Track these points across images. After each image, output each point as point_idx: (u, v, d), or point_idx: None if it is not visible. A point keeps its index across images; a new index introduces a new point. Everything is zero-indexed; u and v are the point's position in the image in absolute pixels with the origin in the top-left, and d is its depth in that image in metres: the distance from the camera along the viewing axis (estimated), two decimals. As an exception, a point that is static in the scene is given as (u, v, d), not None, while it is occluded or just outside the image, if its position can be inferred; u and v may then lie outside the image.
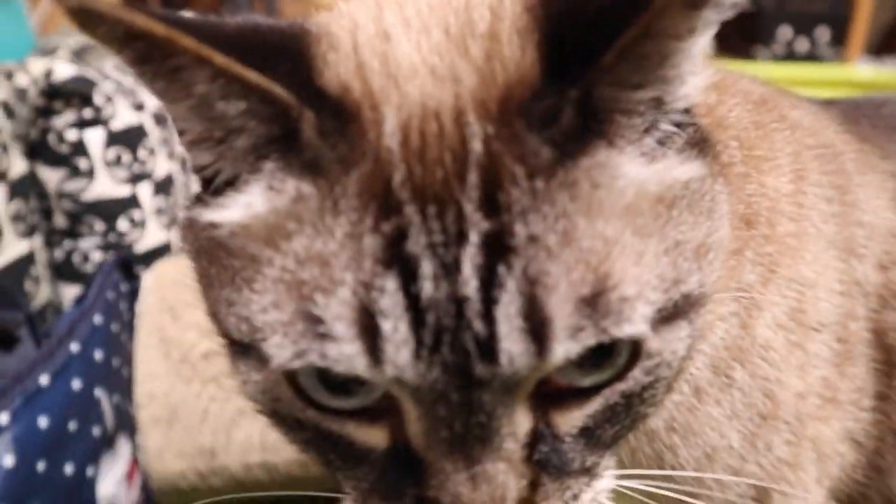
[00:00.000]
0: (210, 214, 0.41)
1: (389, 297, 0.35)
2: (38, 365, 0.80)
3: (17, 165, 1.12)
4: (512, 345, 0.36)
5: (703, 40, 0.39)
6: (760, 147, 0.56)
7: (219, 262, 0.41)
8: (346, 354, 0.36)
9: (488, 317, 0.35)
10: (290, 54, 0.38)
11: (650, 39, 0.37)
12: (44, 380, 0.80)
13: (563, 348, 0.36)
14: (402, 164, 0.36)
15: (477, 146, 0.36)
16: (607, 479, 0.45)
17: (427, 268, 0.35)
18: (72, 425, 0.82)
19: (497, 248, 0.35)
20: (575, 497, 0.42)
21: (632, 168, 0.39)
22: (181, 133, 0.42)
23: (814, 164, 0.59)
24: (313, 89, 0.38)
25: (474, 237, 0.36)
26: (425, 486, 0.39)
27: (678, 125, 0.42)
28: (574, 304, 0.36)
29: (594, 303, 0.36)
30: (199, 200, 0.43)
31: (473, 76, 0.38)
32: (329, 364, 0.36)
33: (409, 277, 0.35)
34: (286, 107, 0.37)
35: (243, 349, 0.40)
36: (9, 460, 0.73)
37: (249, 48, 0.37)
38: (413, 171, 0.36)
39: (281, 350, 0.37)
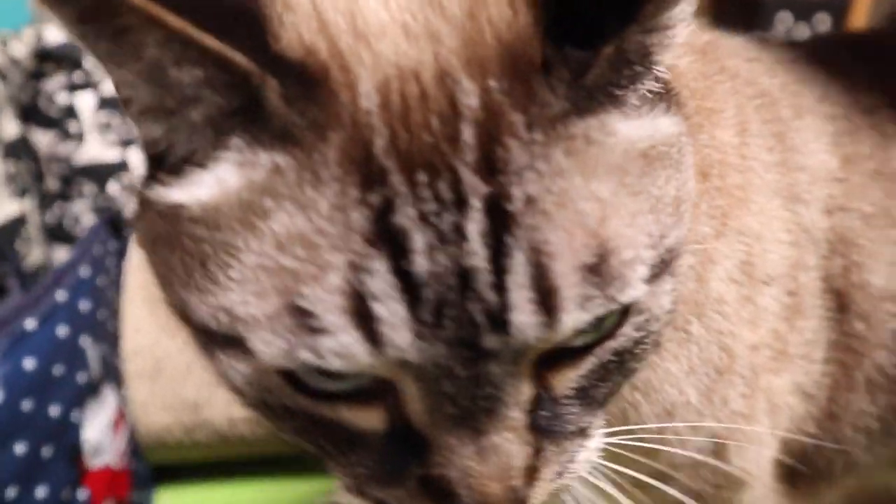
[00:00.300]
0: (174, 194, 0.38)
1: (380, 277, 0.33)
2: (25, 310, 0.83)
3: (10, 128, 1.15)
4: (523, 316, 0.34)
5: None
6: (710, 98, 0.57)
7: (183, 248, 0.38)
8: (343, 345, 0.34)
9: (499, 287, 0.34)
10: (244, 17, 0.35)
11: None
12: (30, 324, 0.83)
13: (572, 318, 0.35)
14: (384, 129, 0.34)
15: (472, 103, 0.35)
16: (597, 438, 0.45)
17: (419, 241, 0.34)
18: (57, 370, 0.85)
19: (498, 214, 0.34)
20: (571, 459, 0.43)
21: (623, 123, 0.38)
22: (126, 102, 0.38)
23: (754, 114, 0.60)
24: (271, 55, 0.35)
25: (476, 202, 0.34)
26: (430, 464, 0.38)
27: (657, 76, 0.41)
28: (580, 272, 0.35)
29: (598, 270, 0.35)
30: (153, 180, 0.40)
31: (455, 35, 0.36)
32: (324, 361, 0.34)
33: (399, 253, 0.34)
34: (246, 75, 0.34)
35: (223, 340, 0.37)
36: (-5, 396, 0.76)
37: (203, 9, 0.34)
38: (397, 137, 0.34)
39: (269, 347, 0.35)
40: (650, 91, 0.41)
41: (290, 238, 0.34)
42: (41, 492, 0.81)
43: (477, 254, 0.34)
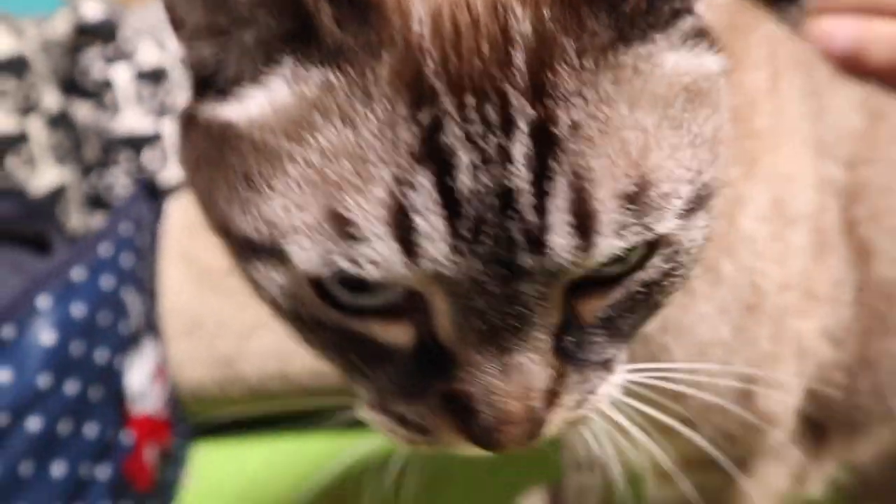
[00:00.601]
0: (223, 112, 0.40)
1: (423, 192, 0.35)
2: (72, 262, 0.89)
3: (52, 100, 1.20)
4: (561, 238, 0.36)
5: None
6: (737, 46, 0.58)
7: (227, 164, 0.40)
8: (380, 254, 0.35)
9: (539, 208, 0.35)
10: None
11: None
12: (77, 275, 0.88)
13: (608, 244, 0.36)
14: (436, 53, 0.36)
15: (525, 30, 0.36)
16: (620, 373, 0.46)
17: (464, 160, 0.35)
18: (102, 318, 0.90)
19: (544, 137, 0.35)
20: (592, 390, 0.43)
21: (670, 56, 0.40)
22: (179, 23, 0.40)
23: (788, 65, 0.62)
24: None
25: (522, 125, 0.35)
26: (454, 379, 0.40)
27: (698, 13, 0.42)
28: (619, 200, 0.36)
29: (637, 199, 0.36)
30: (199, 101, 0.42)
31: None
32: (359, 269, 0.36)
33: (444, 170, 0.35)
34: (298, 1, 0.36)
35: (263, 250, 0.39)
36: (50, 338, 0.82)
37: None
38: (447, 60, 0.35)
39: (307, 255, 0.37)
40: (693, 28, 0.41)
41: (336, 151, 0.36)
42: (90, 430, 0.86)
43: (521, 175, 0.35)
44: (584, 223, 0.36)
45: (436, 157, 0.35)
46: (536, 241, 0.36)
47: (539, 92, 0.35)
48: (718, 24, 0.55)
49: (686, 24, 0.41)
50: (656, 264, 0.41)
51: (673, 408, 0.56)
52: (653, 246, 0.40)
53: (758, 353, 0.59)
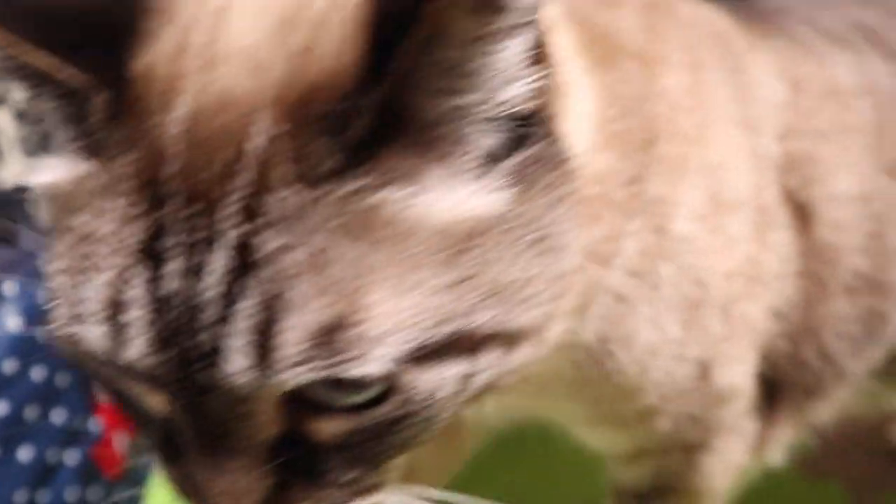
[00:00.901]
0: (33, 175, 0.43)
1: (134, 290, 0.36)
2: (38, 249, 0.89)
3: (19, 91, 1.20)
4: (234, 362, 0.35)
5: (518, 43, 0.36)
6: (652, 50, 0.57)
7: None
8: (89, 337, 0.37)
9: (217, 330, 0.35)
10: (105, 31, 0.38)
11: (441, 45, 0.34)
12: (43, 262, 0.89)
13: (287, 376, 0.35)
14: (178, 157, 0.36)
15: (257, 145, 0.35)
16: (380, 497, 0.44)
17: (171, 267, 0.36)
18: (68, 307, 0.91)
19: (244, 259, 0.35)
20: None
21: (410, 190, 0.37)
22: None
23: (708, 52, 0.63)
24: (119, 70, 0.38)
25: (224, 243, 0.35)
26: (184, 461, 0.40)
27: (506, 142, 0.39)
28: (309, 333, 0.35)
29: (331, 336, 0.35)
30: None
31: (283, 69, 0.37)
32: (77, 344, 0.38)
33: (157, 275, 0.36)
34: (74, 91, 0.37)
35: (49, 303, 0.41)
36: (16, 324, 0.84)
37: (50, 24, 0.38)
38: (186, 166, 0.36)
39: (55, 319, 0.39)
40: (484, 159, 0.39)
41: (85, 235, 0.38)
42: (57, 416, 0.87)
43: (208, 292, 0.35)
44: (262, 350, 0.35)
45: (154, 260, 0.36)
46: (212, 363, 0.36)
47: (251, 212, 0.35)
48: (631, 33, 0.56)
49: (463, 157, 0.39)
50: (387, 408, 0.38)
51: (631, 402, 0.59)
52: (387, 390, 0.38)
53: (711, 338, 0.60)
